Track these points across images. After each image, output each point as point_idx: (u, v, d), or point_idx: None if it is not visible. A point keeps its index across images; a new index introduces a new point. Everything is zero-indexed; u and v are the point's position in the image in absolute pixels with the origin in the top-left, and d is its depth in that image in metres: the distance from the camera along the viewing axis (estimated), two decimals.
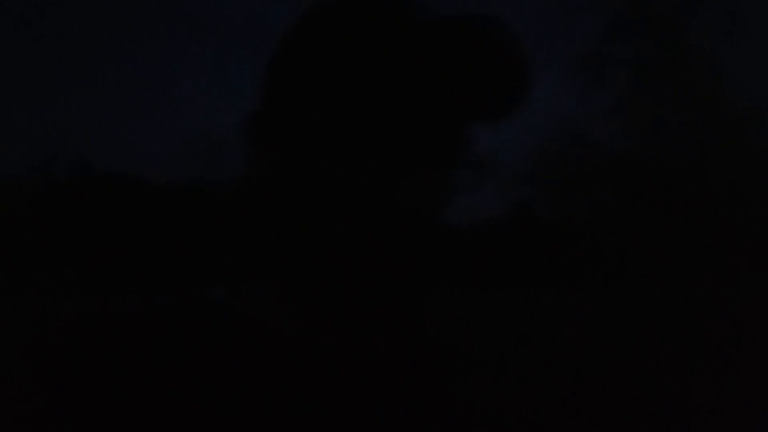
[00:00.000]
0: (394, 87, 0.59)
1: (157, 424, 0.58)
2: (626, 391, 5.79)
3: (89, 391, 0.57)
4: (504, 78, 0.60)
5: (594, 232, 11.97)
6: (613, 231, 11.79)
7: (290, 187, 0.62)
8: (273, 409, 0.61)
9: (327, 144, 0.60)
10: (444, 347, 0.74)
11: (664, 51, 11.77)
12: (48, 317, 0.60)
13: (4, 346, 0.57)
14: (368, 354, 0.68)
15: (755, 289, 9.74)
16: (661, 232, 11.27)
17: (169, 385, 0.59)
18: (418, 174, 0.60)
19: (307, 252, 0.62)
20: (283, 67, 0.64)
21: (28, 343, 0.58)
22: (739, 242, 10.69)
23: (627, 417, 5.08)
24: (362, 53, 0.59)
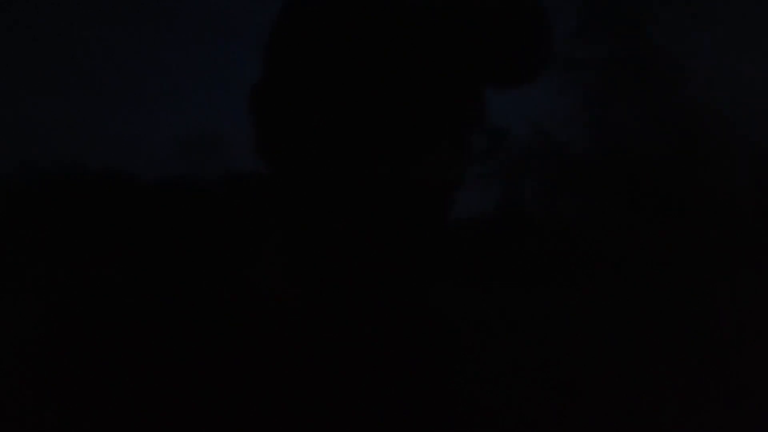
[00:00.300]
0: (406, 48, 0.57)
1: (167, 416, 0.57)
2: (616, 385, 5.81)
3: (91, 388, 0.56)
4: (524, 40, 0.57)
5: (565, 228, 12.40)
6: (583, 226, 12.24)
7: (298, 165, 0.60)
8: (277, 398, 0.60)
9: (337, 113, 0.58)
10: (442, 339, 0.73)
11: (630, 53, 12.24)
12: (44, 315, 0.59)
13: (5, 346, 0.56)
14: (372, 344, 0.66)
15: (725, 282, 9.91)
16: (630, 227, 11.65)
17: (171, 382, 0.58)
18: (433, 141, 0.58)
19: (317, 235, 0.60)
20: (287, 34, 0.62)
21: (25, 342, 0.57)
22: (707, 238, 10.98)
23: (626, 415, 5.09)
24: (369, 18, 0.57)
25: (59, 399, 0.55)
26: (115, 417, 0.56)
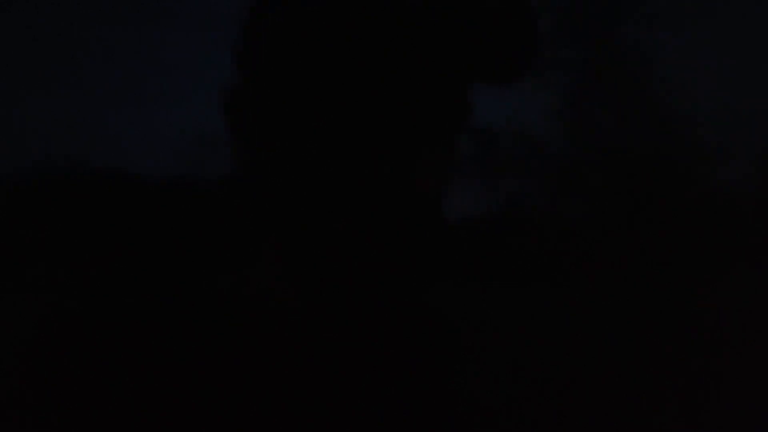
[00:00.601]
0: (387, 46, 0.56)
1: (165, 417, 0.57)
2: (615, 385, 5.81)
3: (91, 387, 0.56)
4: (511, 39, 0.57)
5: (542, 226, 12.85)
6: (558, 225, 12.71)
7: (278, 167, 0.60)
8: (274, 397, 0.60)
9: (315, 117, 0.57)
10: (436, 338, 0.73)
11: (605, 55, 12.94)
12: (48, 315, 0.59)
13: (5, 346, 0.56)
14: (363, 345, 0.66)
15: (705, 279, 10.11)
16: (603, 226, 12.14)
17: (173, 379, 0.58)
18: (417, 143, 0.57)
19: (305, 236, 0.60)
20: (261, 33, 0.61)
21: (29, 342, 0.57)
22: (679, 237, 11.43)
23: (624, 414, 5.09)
24: (347, 17, 0.56)
25: (62, 398, 0.56)
26: (116, 416, 0.56)
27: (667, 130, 12.56)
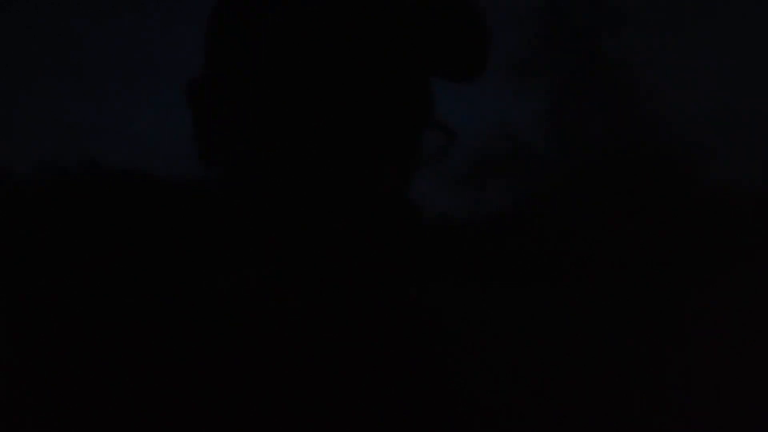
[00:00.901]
0: (349, 41, 0.56)
1: (166, 413, 0.57)
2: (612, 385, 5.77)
3: (94, 384, 0.55)
4: (466, 38, 0.57)
5: (522, 225, 13.01)
6: (538, 225, 12.88)
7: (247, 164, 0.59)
8: (269, 394, 0.60)
9: (276, 110, 0.57)
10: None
11: (586, 61, 13.20)
12: (56, 312, 0.59)
13: (16, 341, 0.56)
14: (360, 342, 0.66)
15: (684, 281, 10.14)
16: (583, 227, 12.32)
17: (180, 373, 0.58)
18: (380, 137, 0.57)
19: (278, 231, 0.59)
20: (226, 26, 0.60)
21: (37, 338, 0.57)
22: (657, 241, 11.54)
23: (624, 414, 5.06)
24: (308, 13, 0.56)
25: (61, 396, 0.55)
26: (117, 412, 0.56)
27: (654, 132, 12.87)
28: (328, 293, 0.63)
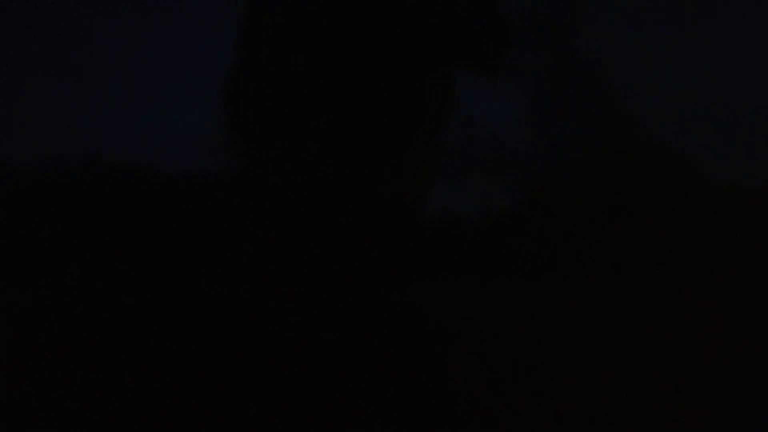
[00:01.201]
0: (377, 39, 0.57)
1: (166, 413, 0.57)
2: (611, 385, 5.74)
3: (94, 383, 0.56)
4: (489, 35, 0.58)
5: (504, 221, 13.14)
6: (520, 221, 12.99)
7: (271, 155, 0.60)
8: (269, 393, 0.60)
9: (310, 104, 0.58)
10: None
11: (563, 62, 13.34)
12: (58, 309, 0.59)
13: (20, 338, 0.57)
14: (359, 340, 0.66)
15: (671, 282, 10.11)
16: (562, 226, 12.36)
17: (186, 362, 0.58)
18: (409, 132, 0.58)
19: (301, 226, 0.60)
20: (260, 22, 0.61)
21: (41, 334, 0.58)
22: (634, 239, 11.56)
23: (624, 414, 5.04)
24: (341, 11, 0.57)
25: (61, 394, 0.56)
26: (117, 412, 0.56)
27: (634, 130, 13.02)
28: (336, 290, 0.64)
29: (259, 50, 0.59)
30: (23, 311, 0.62)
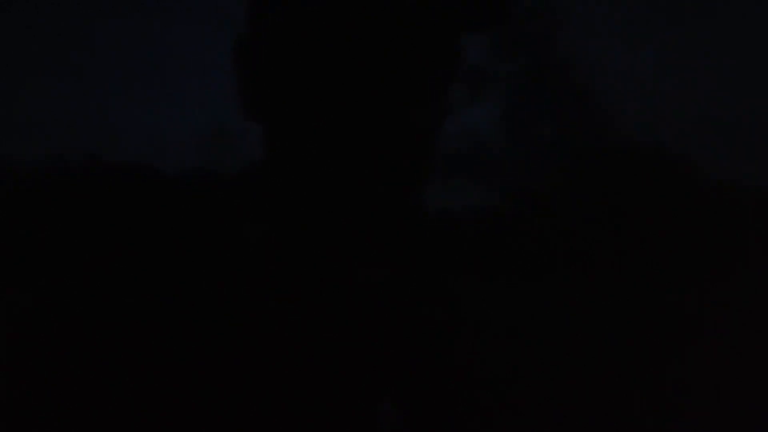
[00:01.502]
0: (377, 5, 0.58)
1: (166, 415, 0.57)
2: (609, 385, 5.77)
3: (94, 383, 0.56)
4: None
5: (484, 222, 13.37)
6: (500, 222, 13.21)
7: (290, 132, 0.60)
8: (272, 395, 0.60)
9: (320, 65, 0.59)
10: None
11: (541, 67, 13.64)
12: (58, 309, 0.60)
13: (20, 338, 0.57)
14: (367, 339, 0.66)
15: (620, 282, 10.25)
16: (543, 226, 12.58)
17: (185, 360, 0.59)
18: (414, 89, 0.59)
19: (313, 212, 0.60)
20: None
21: (42, 335, 0.58)
22: (616, 241, 11.71)
23: (624, 414, 5.05)
24: None
25: (61, 394, 0.56)
26: (116, 414, 0.56)
27: (604, 134, 13.22)
28: (341, 288, 0.64)
29: (271, 12, 0.60)
30: (23, 311, 0.62)
